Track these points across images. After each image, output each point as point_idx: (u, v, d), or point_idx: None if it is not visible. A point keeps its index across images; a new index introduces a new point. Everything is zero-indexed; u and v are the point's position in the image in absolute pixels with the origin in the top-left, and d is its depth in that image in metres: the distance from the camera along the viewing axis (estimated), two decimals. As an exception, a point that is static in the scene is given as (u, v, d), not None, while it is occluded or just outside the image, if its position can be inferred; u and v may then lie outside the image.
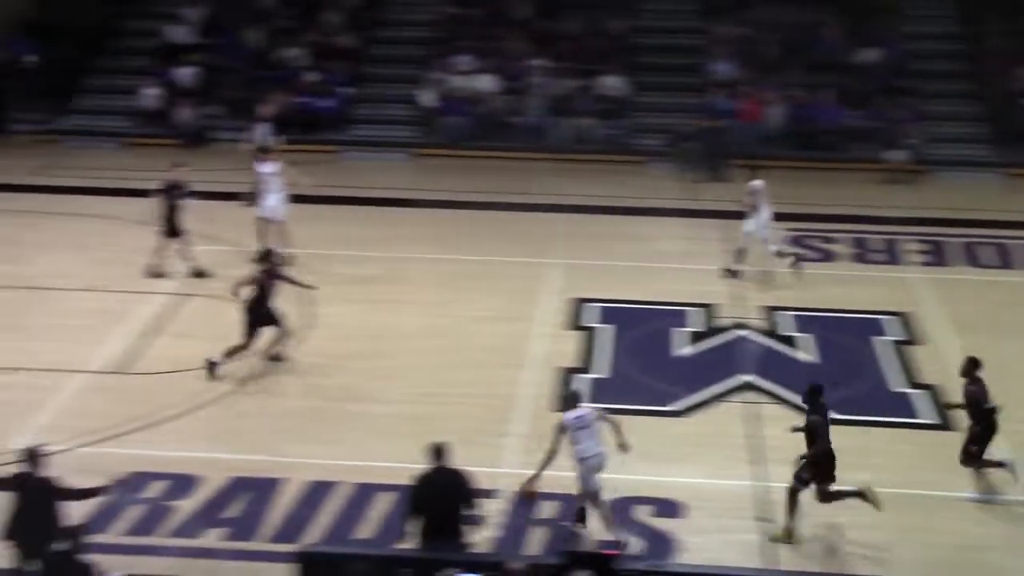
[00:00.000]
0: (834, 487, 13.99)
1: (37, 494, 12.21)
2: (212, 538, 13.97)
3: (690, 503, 14.74)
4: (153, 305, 20.11)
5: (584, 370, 18.22)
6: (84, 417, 16.48)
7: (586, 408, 14.18)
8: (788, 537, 13.98)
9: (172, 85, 29.92)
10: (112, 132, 29.49)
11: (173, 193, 20.83)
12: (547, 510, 14.53)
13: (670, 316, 20.05)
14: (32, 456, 12.35)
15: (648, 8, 32.45)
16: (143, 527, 14.12)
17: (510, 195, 25.95)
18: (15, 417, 16.38)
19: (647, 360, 18.65)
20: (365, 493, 14.69)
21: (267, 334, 17.78)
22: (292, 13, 31.77)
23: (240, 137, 25.63)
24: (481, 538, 13.93)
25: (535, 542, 13.99)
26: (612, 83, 29.82)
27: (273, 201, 21.53)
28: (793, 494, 13.96)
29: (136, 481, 14.79)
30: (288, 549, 13.16)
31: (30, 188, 26.02)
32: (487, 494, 14.62)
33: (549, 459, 13.82)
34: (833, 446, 13.94)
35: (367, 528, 14.13)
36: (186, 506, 14.53)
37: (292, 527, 14.14)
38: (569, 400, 14.30)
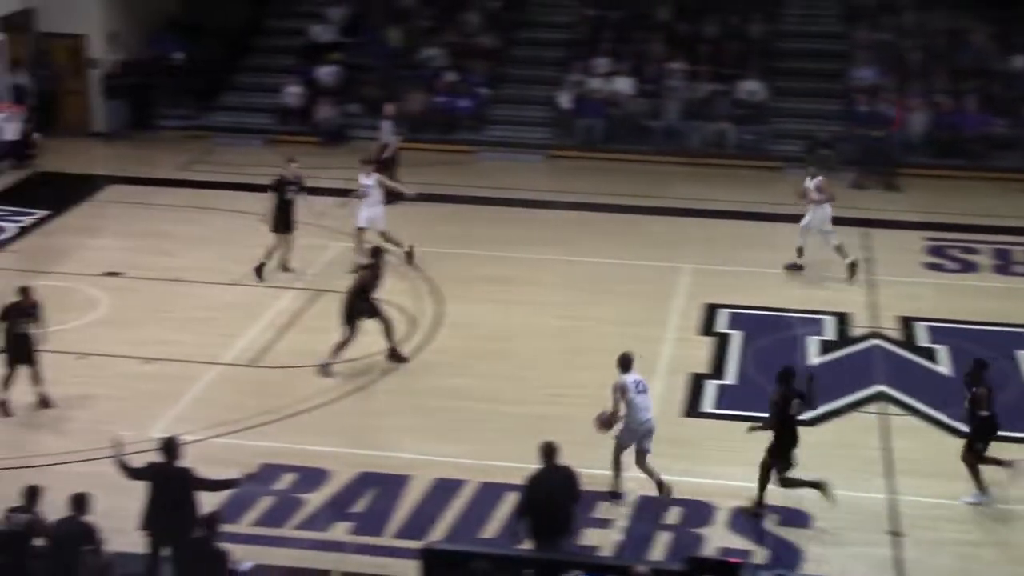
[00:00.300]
0: (793, 475, 14.37)
1: (173, 484, 12.50)
2: (340, 531, 14.18)
3: (818, 513, 14.54)
4: (287, 300, 20.48)
5: (714, 376, 18.09)
6: (218, 408, 16.85)
7: (639, 375, 14.65)
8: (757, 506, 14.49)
9: (314, 83, 30.40)
10: (256, 129, 30.04)
11: (285, 189, 21.15)
12: (672, 516, 14.49)
13: (803, 324, 19.81)
14: (169, 446, 12.66)
15: (789, 12, 32.10)
16: (273, 518, 14.39)
17: (644, 198, 25.85)
18: (153, 407, 16.82)
19: (778, 368, 18.38)
20: (491, 493, 14.77)
21: (375, 330, 17.99)
22: (433, 13, 32.07)
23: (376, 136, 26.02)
24: (606, 541, 13.96)
25: (660, 546, 13.94)
26: (751, 87, 29.54)
27: (370, 212, 21.56)
28: (764, 469, 14.41)
29: (267, 473, 15.08)
30: (413, 545, 13.31)
31: (179, 183, 26.64)
32: (613, 497, 14.68)
33: (612, 416, 14.42)
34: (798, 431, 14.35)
35: (492, 527, 14.21)
36: (315, 499, 14.77)
37: (418, 524, 14.29)
38: (624, 363, 14.61)
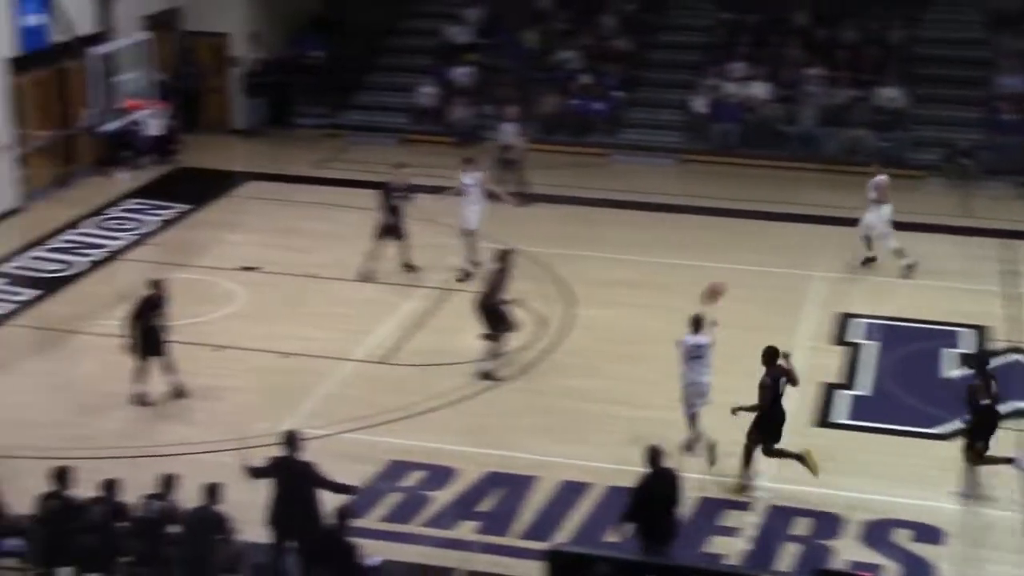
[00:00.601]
0: (779, 446, 14.85)
1: (296, 479, 12.67)
2: (465, 530, 14.25)
3: (951, 530, 14.26)
4: (418, 298, 20.64)
5: (847, 386, 17.82)
6: (349, 404, 17.04)
7: (706, 337, 15.58)
8: (740, 491, 14.84)
9: (449, 84, 30.60)
10: (391, 128, 30.32)
11: (391, 195, 21.24)
12: (801, 527, 14.30)
13: (940, 336, 19.44)
14: (290, 440, 12.83)
15: (930, 18, 31.48)
16: (400, 515, 14.52)
17: (778, 204, 25.56)
18: (287, 400, 17.07)
19: (913, 380, 18.11)
20: (618, 496, 14.69)
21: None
22: (569, 15, 32.08)
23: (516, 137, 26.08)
24: (732, 549, 13.83)
25: (787, 557, 13.77)
26: (889, 94, 29.02)
27: (468, 212, 21.53)
28: (747, 451, 14.85)
29: (395, 470, 15.21)
30: (538, 547, 13.32)
31: (314, 180, 27.02)
32: (740, 506, 14.54)
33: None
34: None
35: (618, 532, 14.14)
36: (442, 497, 14.86)
37: (543, 525, 14.30)
38: (694, 324, 15.45)
